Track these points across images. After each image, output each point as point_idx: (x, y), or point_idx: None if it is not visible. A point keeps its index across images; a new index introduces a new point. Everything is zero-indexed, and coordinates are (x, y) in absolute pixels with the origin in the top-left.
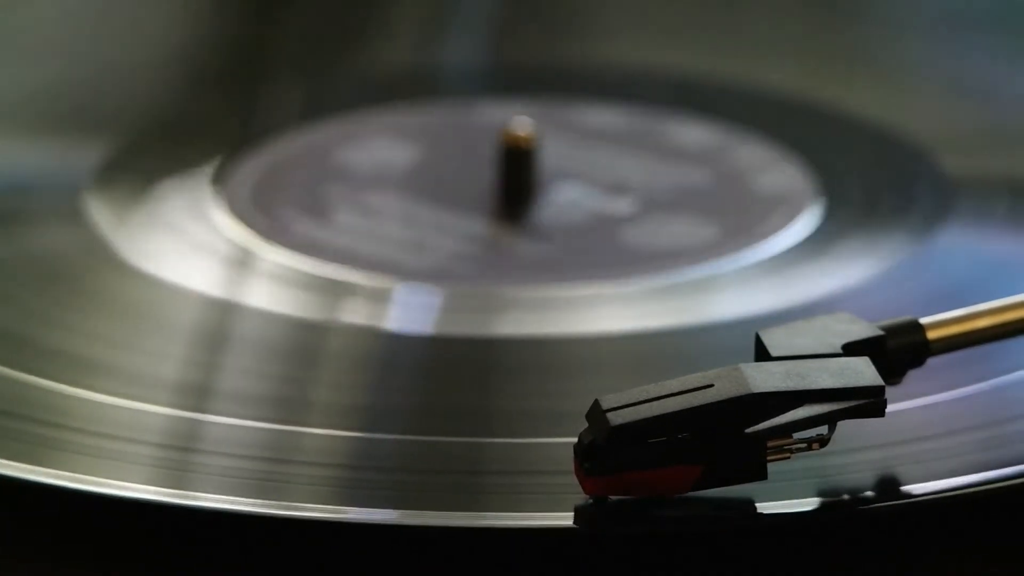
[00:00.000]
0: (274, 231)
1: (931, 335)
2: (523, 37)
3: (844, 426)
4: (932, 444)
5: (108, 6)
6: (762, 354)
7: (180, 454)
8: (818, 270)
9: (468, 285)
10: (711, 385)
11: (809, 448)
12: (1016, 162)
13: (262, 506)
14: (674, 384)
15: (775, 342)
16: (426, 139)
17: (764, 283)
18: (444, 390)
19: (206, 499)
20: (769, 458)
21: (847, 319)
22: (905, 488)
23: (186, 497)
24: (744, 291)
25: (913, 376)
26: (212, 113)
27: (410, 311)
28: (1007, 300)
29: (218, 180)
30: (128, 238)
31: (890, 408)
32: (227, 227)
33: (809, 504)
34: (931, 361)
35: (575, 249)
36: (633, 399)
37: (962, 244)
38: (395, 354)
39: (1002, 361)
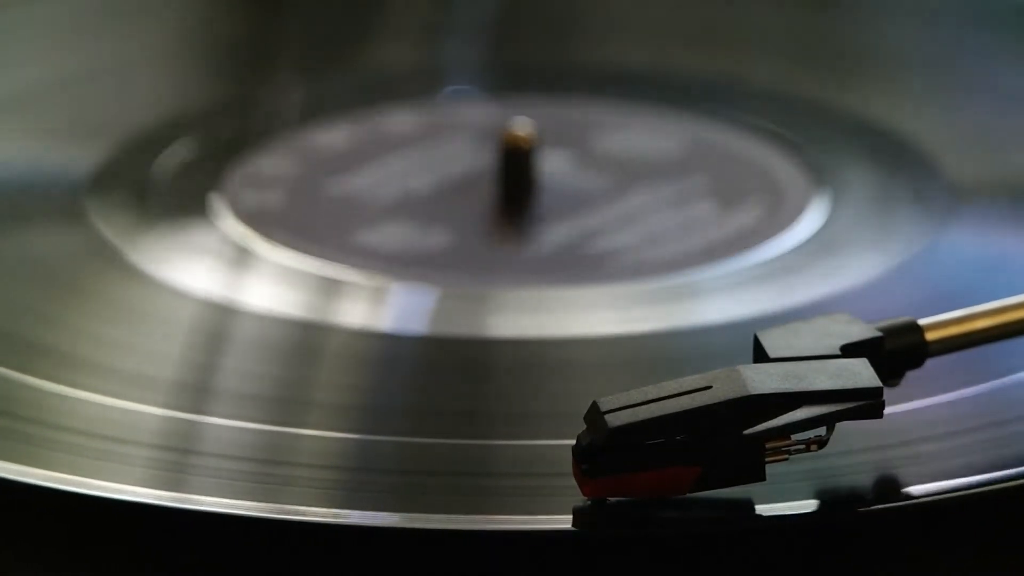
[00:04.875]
0: (273, 231)
1: (929, 336)
2: (523, 37)
3: (842, 427)
4: (930, 445)
5: (108, 6)
6: (760, 355)
7: (178, 455)
8: (818, 272)
9: (467, 285)
10: (709, 387)
11: (807, 449)
12: (1017, 163)
13: (259, 509)
14: (672, 386)
15: (773, 343)
16: (426, 139)
17: (764, 285)
18: (441, 391)
19: (204, 502)
20: (767, 459)
21: (845, 320)
22: (904, 489)
23: (184, 500)
24: (743, 293)
25: (911, 377)
26: (213, 113)
27: (407, 311)
28: (1006, 301)
29: (218, 180)
30: (127, 238)
31: (888, 409)
32: (226, 227)
33: (808, 506)
34: (929, 362)
35: (574, 249)
36: (631, 401)
37: (962, 245)
38: (392, 355)
39: (1001, 362)
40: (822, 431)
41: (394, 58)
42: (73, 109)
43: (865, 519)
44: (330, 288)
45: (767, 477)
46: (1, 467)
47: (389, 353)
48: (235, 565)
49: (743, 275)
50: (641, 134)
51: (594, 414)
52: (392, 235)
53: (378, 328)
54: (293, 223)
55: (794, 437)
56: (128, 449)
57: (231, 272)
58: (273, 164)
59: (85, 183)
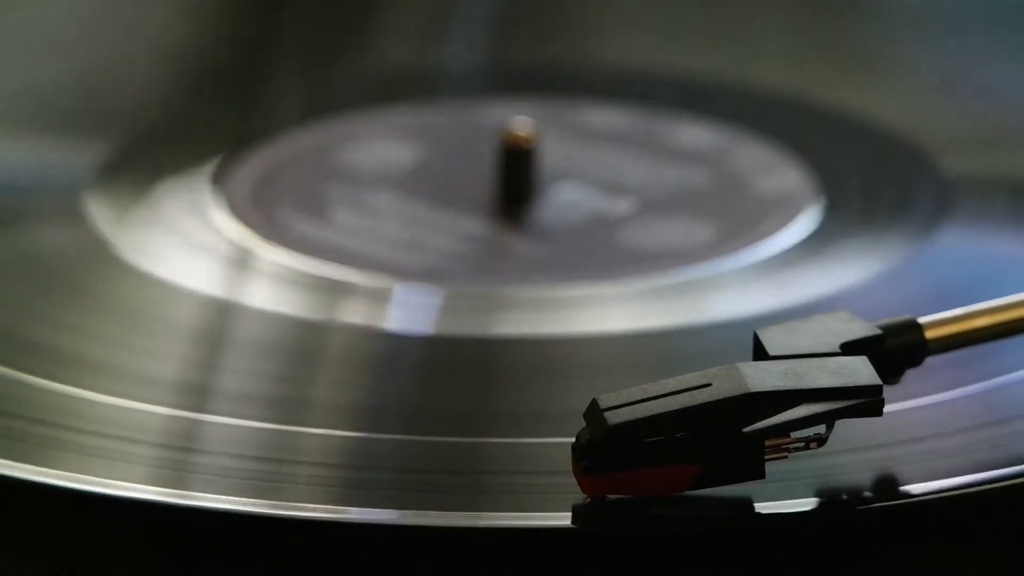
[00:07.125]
0: (274, 231)
1: (929, 334)
2: (523, 37)
3: (842, 425)
4: (930, 444)
5: (108, 5)
6: (760, 353)
7: (179, 454)
8: (817, 270)
9: (467, 285)
10: (709, 384)
11: (807, 447)
12: (1016, 162)
13: (261, 506)
14: (672, 383)
15: (773, 341)
16: (426, 139)
17: (763, 283)
18: (443, 390)
19: (205, 499)
20: (767, 457)
21: (845, 318)
22: (903, 488)
23: (185, 497)
24: (743, 291)
25: (911, 375)
26: (212, 113)
27: (409, 311)
28: (1005, 299)
29: (218, 180)
30: (128, 238)
31: (888, 407)
32: (227, 227)
33: (807, 504)
34: (929, 360)
35: (574, 249)
36: (631, 398)
37: (962, 244)
38: (394, 354)
39: (1000, 361)
40: (822, 429)
41: (395, 58)
42: (73, 108)
43: (865, 518)
44: (331, 288)
45: (766, 475)
46: (2, 465)
47: (391, 352)
48: (237, 562)
49: (743, 273)
50: (639, 133)
51: (594, 411)
52: (392, 234)
53: (380, 328)
54: (294, 222)
55: (794, 435)
56: (131, 447)
57: (232, 271)
58: (273, 163)
59: (85, 182)
